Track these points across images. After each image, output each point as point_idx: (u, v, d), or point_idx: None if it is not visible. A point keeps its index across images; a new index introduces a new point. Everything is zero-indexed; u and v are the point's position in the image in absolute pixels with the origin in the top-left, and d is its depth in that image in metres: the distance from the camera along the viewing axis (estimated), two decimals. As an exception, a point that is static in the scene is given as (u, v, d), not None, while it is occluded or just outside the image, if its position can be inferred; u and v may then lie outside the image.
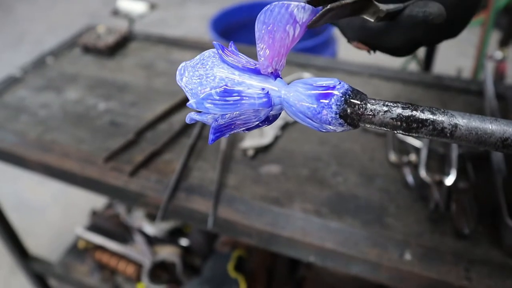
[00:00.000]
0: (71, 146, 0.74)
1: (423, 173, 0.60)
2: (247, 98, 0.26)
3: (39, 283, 1.17)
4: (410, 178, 0.61)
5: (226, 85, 0.27)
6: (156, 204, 0.62)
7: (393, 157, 0.66)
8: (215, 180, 0.62)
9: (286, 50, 0.28)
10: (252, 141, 0.69)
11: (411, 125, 0.24)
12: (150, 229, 1.01)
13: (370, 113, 0.25)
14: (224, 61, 0.28)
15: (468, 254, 0.51)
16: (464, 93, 0.80)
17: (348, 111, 0.25)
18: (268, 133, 0.70)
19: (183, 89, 0.28)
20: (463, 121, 0.24)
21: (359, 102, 0.25)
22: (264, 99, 0.26)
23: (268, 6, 0.26)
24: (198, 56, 0.29)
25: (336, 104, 0.25)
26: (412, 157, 0.65)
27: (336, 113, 0.25)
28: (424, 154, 0.64)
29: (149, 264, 0.97)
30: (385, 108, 0.24)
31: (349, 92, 0.25)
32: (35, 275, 1.14)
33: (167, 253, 0.98)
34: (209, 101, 0.26)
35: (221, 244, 0.93)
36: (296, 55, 0.93)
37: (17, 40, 2.78)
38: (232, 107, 0.26)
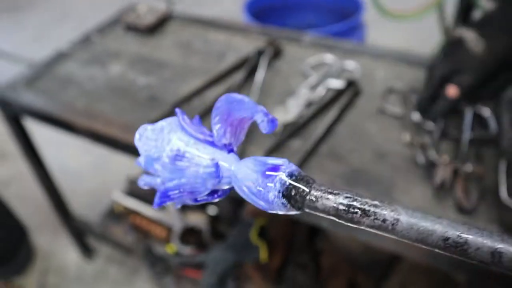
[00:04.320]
0: (114, 115, 0.83)
1: (432, 153, 0.65)
2: (195, 166, 0.27)
3: (79, 241, 1.28)
4: (420, 158, 0.66)
5: (178, 150, 0.27)
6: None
7: (407, 137, 0.70)
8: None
9: (242, 126, 0.28)
10: (277, 116, 0.74)
11: (353, 215, 0.23)
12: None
13: (314, 198, 0.24)
14: (183, 129, 0.28)
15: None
16: (485, 80, 0.82)
17: (292, 192, 0.24)
18: (292, 110, 0.76)
19: (139, 149, 0.29)
20: (405, 217, 0.23)
21: (303, 186, 0.24)
22: (212, 169, 0.27)
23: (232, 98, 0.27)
24: (160, 122, 0.30)
25: (281, 183, 0.24)
26: (426, 138, 0.69)
27: (279, 192, 0.24)
28: (436, 136, 0.68)
29: (179, 229, 1.06)
30: (328, 196, 0.23)
31: (295, 173, 0.25)
32: (76, 234, 1.25)
33: (196, 219, 1.06)
34: (160, 162, 0.27)
35: (246, 213, 1.00)
36: (324, 38, 0.98)
37: (62, 16, 2.91)
38: (180, 172, 0.27)
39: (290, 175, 0.24)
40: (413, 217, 0.23)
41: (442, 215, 0.50)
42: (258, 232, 0.93)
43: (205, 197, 0.28)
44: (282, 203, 0.24)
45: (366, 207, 0.23)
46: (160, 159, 0.27)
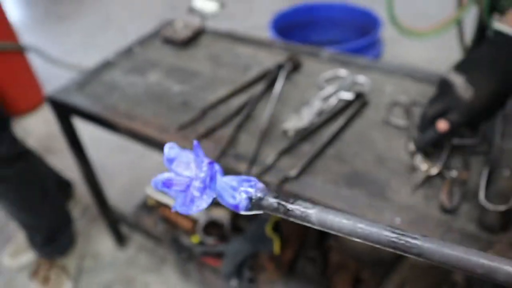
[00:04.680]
0: (151, 117, 0.95)
1: (419, 160, 0.74)
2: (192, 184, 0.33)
3: (114, 230, 1.42)
4: (415, 163, 0.74)
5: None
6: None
7: (411, 146, 0.79)
8: (251, 152, 0.80)
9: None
10: (291, 123, 0.85)
11: (287, 213, 0.30)
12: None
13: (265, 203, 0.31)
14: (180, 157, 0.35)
15: (448, 225, 0.65)
16: (485, 96, 0.90)
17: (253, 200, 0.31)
18: (305, 118, 0.86)
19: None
20: (315, 211, 0.29)
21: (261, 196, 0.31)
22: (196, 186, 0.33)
23: None
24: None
25: (247, 194, 0.31)
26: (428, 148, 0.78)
27: (246, 200, 0.31)
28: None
29: (203, 221, 1.17)
30: (271, 200, 0.30)
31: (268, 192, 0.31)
32: (112, 223, 1.39)
33: (219, 213, 1.18)
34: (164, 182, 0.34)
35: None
36: (340, 54, 1.08)
37: (105, 24, 3.13)
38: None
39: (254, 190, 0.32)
40: (325, 214, 0.29)
41: (427, 213, 0.59)
42: (273, 226, 1.03)
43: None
44: (246, 206, 0.31)
45: (288, 206, 0.30)
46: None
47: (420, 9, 2.83)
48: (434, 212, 0.67)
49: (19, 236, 1.51)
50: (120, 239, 1.46)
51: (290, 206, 0.30)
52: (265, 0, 3.26)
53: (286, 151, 0.80)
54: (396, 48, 2.42)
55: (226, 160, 0.81)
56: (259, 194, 0.31)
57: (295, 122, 0.86)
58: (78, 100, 1.05)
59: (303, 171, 0.76)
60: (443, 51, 2.07)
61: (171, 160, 0.36)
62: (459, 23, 1.46)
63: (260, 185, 0.32)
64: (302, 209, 0.30)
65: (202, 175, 0.34)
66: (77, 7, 3.46)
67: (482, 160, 0.74)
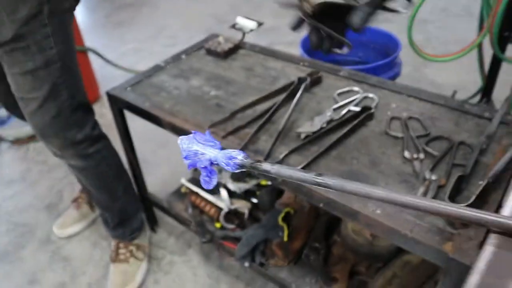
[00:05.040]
0: (190, 115, 1.14)
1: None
2: (201, 155, 0.52)
3: (150, 213, 1.62)
4: (407, 169, 0.89)
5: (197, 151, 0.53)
6: (234, 157, 0.99)
7: (407, 154, 0.93)
8: (268, 149, 0.96)
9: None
10: (304, 128, 1.01)
11: (258, 169, 0.48)
12: (232, 186, 1.38)
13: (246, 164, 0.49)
14: (197, 140, 0.54)
15: (420, 218, 0.78)
16: (477, 117, 1.03)
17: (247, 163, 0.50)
18: (316, 124, 1.02)
19: (181, 149, 0.55)
20: (273, 167, 0.47)
21: (252, 163, 0.49)
22: (207, 157, 0.52)
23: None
24: (188, 136, 0.55)
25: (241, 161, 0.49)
26: (421, 156, 0.92)
27: (236, 166, 0.50)
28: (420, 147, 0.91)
29: (226, 210, 1.35)
30: (252, 162, 0.49)
31: (245, 159, 0.50)
32: (149, 206, 1.60)
33: (240, 204, 1.35)
34: (185, 155, 0.54)
35: (278, 204, 1.27)
36: (355, 73, 1.23)
37: (158, 32, 3.41)
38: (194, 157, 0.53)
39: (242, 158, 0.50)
40: (276, 167, 0.48)
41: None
42: (284, 217, 1.19)
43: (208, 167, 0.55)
44: (236, 166, 0.50)
45: (257, 165, 0.49)
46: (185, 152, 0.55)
47: (455, 35, 2.92)
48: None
49: (68, 212, 1.75)
50: (154, 223, 1.66)
51: (258, 165, 0.48)
52: (307, 18, 3.43)
53: (296, 150, 0.96)
54: (427, 68, 2.53)
55: (247, 153, 0.98)
56: (242, 160, 0.49)
57: (307, 128, 1.02)
58: (131, 97, 1.26)
59: (307, 166, 0.92)
60: (472, 74, 2.15)
61: (185, 150, 0.55)
62: (479, 48, 1.58)
63: (244, 155, 0.50)
64: (266, 166, 0.47)
65: (211, 154, 0.53)
66: (134, 15, 3.77)
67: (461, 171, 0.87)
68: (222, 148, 0.53)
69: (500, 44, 1.43)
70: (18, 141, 2.31)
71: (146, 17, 3.72)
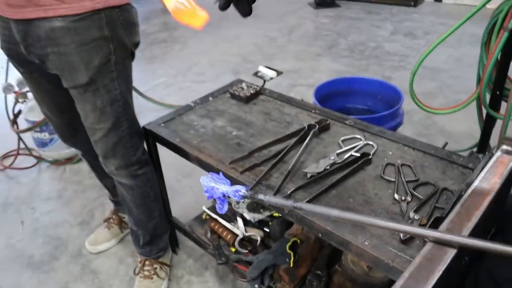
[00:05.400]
0: (213, 152, 1.33)
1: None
2: (217, 189, 0.75)
3: (172, 236, 1.80)
4: (396, 209, 1.05)
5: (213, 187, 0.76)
6: (249, 190, 1.16)
7: (397, 195, 1.09)
8: (278, 184, 1.14)
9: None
10: (310, 169, 1.19)
11: (255, 198, 0.71)
12: (248, 216, 1.55)
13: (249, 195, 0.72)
14: (214, 179, 0.77)
15: (403, 251, 0.93)
16: (462, 167, 1.18)
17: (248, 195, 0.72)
18: (320, 166, 1.20)
19: (202, 185, 0.79)
20: (265, 197, 0.71)
21: (247, 193, 0.71)
22: (220, 191, 0.75)
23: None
24: (207, 176, 0.78)
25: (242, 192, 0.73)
26: (408, 198, 1.08)
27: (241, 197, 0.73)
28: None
29: (241, 237, 1.52)
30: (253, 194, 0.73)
31: (246, 191, 0.73)
32: (172, 229, 1.77)
33: (254, 232, 1.51)
34: (205, 189, 0.77)
35: (287, 234, 1.43)
36: (359, 122, 1.41)
37: (187, 69, 3.68)
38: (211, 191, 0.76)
39: (246, 190, 0.72)
40: (271, 199, 0.69)
41: (389, 241, 0.90)
42: (291, 245, 1.35)
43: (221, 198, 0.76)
44: (241, 196, 0.71)
45: (254, 196, 0.69)
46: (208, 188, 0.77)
47: (468, 85, 3.07)
48: (394, 241, 0.96)
49: (99, 230, 1.94)
50: (176, 245, 1.83)
51: (255, 196, 0.68)
52: (328, 62, 3.66)
53: (302, 187, 1.14)
54: (438, 116, 2.67)
55: (259, 187, 1.16)
56: (245, 193, 0.69)
57: (313, 168, 1.19)
58: (164, 132, 1.46)
59: (310, 202, 1.08)
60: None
61: (205, 186, 0.76)
62: (478, 104, 1.74)
63: (246, 189, 0.70)
64: (260, 196, 0.67)
65: (223, 189, 0.74)
66: (166, 51, 4.08)
67: (440, 213, 1.03)
68: (231, 184, 0.74)
69: (493, 101, 1.59)
70: (56, 162, 2.56)
71: (177, 54, 4.02)
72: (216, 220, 1.60)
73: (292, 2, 5.29)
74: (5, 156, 2.65)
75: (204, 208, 1.66)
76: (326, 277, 1.34)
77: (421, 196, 1.08)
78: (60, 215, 2.16)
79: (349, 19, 4.67)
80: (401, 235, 0.97)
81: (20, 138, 2.54)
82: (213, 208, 1.66)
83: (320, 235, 1.04)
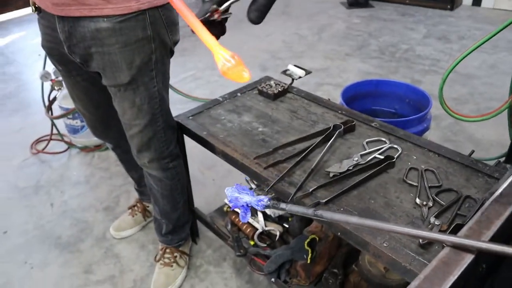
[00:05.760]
0: (239, 146, 1.36)
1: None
2: (240, 199, 0.76)
3: (194, 226, 1.84)
4: (417, 213, 1.05)
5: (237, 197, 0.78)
6: (268, 183, 1.19)
7: (418, 200, 1.10)
8: (300, 182, 1.16)
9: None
10: (333, 168, 1.20)
11: (277, 207, 0.71)
12: (268, 211, 1.58)
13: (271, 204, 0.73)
14: (237, 190, 0.78)
15: (421, 255, 0.94)
16: (488, 176, 1.17)
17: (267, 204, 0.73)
18: (344, 167, 1.21)
19: (227, 195, 0.80)
20: (286, 206, 0.70)
21: (269, 202, 0.72)
22: (244, 200, 0.76)
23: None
24: (231, 187, 0.80)
25: (265, 201, 0.73)
26: (430, 203, 1.08)
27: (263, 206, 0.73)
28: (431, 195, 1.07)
29: (260, 231, 1.54)
30: (272, 203, 0.73)
31: (269, 201, 0.73)
32: (193, 219, 1.82)
33: (273, 227, 1.54)
34: (230, 199, 0.78)
35: (306, 230, 1.45)
36: (385, 125, 1.41)
37: (214, 63, 3.72)
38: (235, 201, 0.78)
39: (269, 200, 0.74)
40: (293, 208, 0.70)
41: (407, 244, 0.90)
42: (309, 241, 1.36)
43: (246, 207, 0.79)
44: (263, 206, 0.73)
45: (280, 206, 0.71)
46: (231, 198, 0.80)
47: (500, 92, 3.00)
48: (412, 245, 0.97)
49: (124, 217, 2.01)
50: (196, 235, 1.87)
51: (277, 205, 0.70)
52: (357, 63, 3.63)
53: (324, 186, 1.15)
54: (467, 122, 2.62)
55: (282, 183, 1.18)
56: (268, 202, 0.71)
57: (336, 168, 1.21)
58: (192, 125, 1.50)
59: (331, 201, 1.10)
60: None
61: (230, 196, 0.79)
62: (509, 113, 1.71)
63: (268, 199, 0.73)
64: (282, 205, 0.70)
65: (246, 199, 0.77)
66: (196, 44, 4.13)
67: (461, 220, 1.02)
68: (254, 195, 0.77)
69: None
70: (85, 149, 2.64)
71: (207, 48, 4.05)
72: (237, 213, 1.63)
73: (325, 1, 5.26)
74: (39, 140, 2.75)
75: (226, 201, 1.70)
76: (342, 276, 1.35)
77: (443, 202, 1.08)
78: (87, 199, 2.24)
79: (382, 20, 4.61)
80: (421, 239, 0.97)
81: (53, 124, 2.63)
82: (235, 202, 1.69)
83: (339, 234, 1.05)
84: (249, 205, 0.77)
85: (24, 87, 3.57)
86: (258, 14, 0.71)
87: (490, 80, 3.20)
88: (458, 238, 0.54)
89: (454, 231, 0.98)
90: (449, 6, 4.74)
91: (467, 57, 1.59)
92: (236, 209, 0.95)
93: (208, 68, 3.63)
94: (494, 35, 1.50)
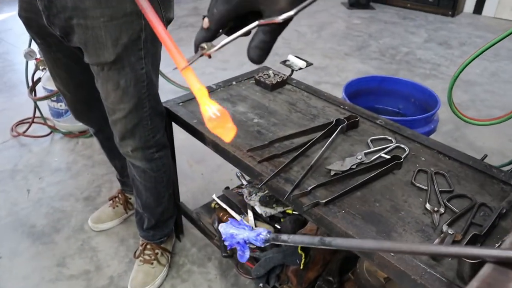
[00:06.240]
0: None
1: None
2: (236, 236, 0.68)
3: (178, 222, 1.72)
4: (427, 220, 0.94)
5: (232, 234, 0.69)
6: (262, 179, 1.07)
7: (428, 205, 0.99)
8: (298, 179, 1.04)
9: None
10: (334, 166, 1.09)
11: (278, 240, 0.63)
12: (259, 209, 1.46)
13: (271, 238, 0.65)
14: (233, 225, 0.70)
15: (432, 268, 0.83)
16: (503, 183, 1.07)
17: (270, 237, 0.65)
18: (346, 165, 1.10)
19: (221, 233, 0.72)
20: (289, 237, 0.61)
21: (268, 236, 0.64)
22: (241, 236, 0.68)
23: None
24: (226, 223, 0.72)
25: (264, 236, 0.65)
26: (441, 209, 0.97)
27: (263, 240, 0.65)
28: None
29: (250, 231, 1.43)
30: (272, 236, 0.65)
31: (269, 234, 0.65)
32: (178, 214, 1.69)
33: (264, 227, 1.42)
34: (224, 237, 0.69)
35: (300, 233, 1.33)
36: (391, 123, 1.30)
37: (211, 55, 3.60)
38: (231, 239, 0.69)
39: (267, 234, 0.65)
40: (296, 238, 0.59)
41: (418, 256, 0.80)
42: (303, 245, 1.25)
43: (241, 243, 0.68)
44: (263, 240, 0.64)
45: (282, 237, 0.61)
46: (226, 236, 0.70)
47: (502, 100, 2.92)
48: (423, 256, 0.86)
49: (104, 208, 1.87)
50: (181, 232, 1.75)
51: (278, 237, 0.60)
52: (357, 63, 3.53)
53: (324, 185, 1.04)
54: (468, 129, 2.54)
55: (278, 179, 1.06)
56: (267, 236, 0.62)
57: (337, 166, 1.09)
58: (182, 112, 1.38)
59: (331, 201, 0.99)
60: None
61: (224, 234, 0.68)
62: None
63: (267, 232, 0.63)
64: (284, 238, 0.60)
65: (244, 235, 0.66)
66: (192, 36, 3.99)
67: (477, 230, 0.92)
68: (252, 229, 0.67)
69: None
70: (69, 134, 2.51)
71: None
72: (225, 210, 1.52)
73: (325, 0, 5.16)
74: (20, 123, 2.61)
75: (214, 197, 1.57)
76: (338, 284, 1.24)
77: (456, 209, 0.98)
78: (67, 188, 2.10)
79: (383, 22, 4.52)
80: (432, 249, 0.86)
81: (36, 106, 2.49)
82: (223, 197, 1.57)
83: (339, 239, 0.94)
84: (247, 241, 0.67)
85: (11, 67, 3.42)
86: (259, 52, 0.59)
87: (491, 87, 3.13)
88: (505, 252, 0.43)
89: (471, 242, 0.88)
90: (450, 13, 4.68)
91: (469, 64, 1.52)
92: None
93: (203, 60, 3.49)
94: (497, 42, 1.44)
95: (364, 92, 1.76)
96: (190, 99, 1.45)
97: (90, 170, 2.22)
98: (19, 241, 1.79)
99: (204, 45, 0.62)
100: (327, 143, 1.16)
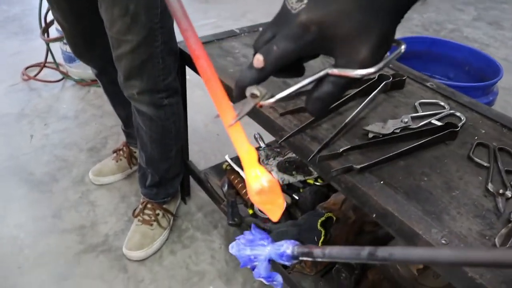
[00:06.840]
0: (251, 85, 1.05)
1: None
2: (255, 258, 0.51)
3: (185, 182, 1.55)
4: (489, 204, 0.74)
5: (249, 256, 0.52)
6: (283, 134, 0.88)
7: (490, 185, 0.78)
8: (328, 138, 0.85)
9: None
10: (373, 127, 0.88)
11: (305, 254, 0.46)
12: (276, 175, 1.28)
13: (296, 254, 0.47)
14: (247, 244, 0.52)
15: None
16: None
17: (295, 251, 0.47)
18: (388, 127, 0.89)
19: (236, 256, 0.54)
20: (323, 251, 0.43)
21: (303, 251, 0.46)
22: (262, 258, 0.51)
23: None
24: (235, 242, 0.54)
25: (288, 253, 0.47)
26: (508, 193, 0.76)
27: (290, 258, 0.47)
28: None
29: (263, 199, 1.24)
30: (299, 249, 0.47)
31: (296, 247, 0.48)
32: (186, 173, 1.53)
33: (285, 240, 1.23)
34: (242, 262, 0.52)
35: (321, 207, 1.14)
36: (444, 87, 1.08)
37: (240, 15, 3.37)
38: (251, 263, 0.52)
39: (293, 248, 0.48)
40: (333, 252, 0.42)
41: (473, 236, 0.59)
42: (324, 220, 1.06)
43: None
44: (290, 257, 0.47)
45: (310, 250, 0.45)
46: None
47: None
48: (483, 248, 0.66)
49: (106, 161, 1.72)
50: (187, 194, 1.58)
51: (310, 252, 0.45)
52: (396, 35, 3.25)
53: (358, 148, 0.84)
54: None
55: (302, 136, 0.87)
56: (294, 251, 0.48)
57: (377, 128, 0.89)
58: (197, 55, 1.18)
59: (368, 168, 0.79)
60: None
61: (239, 257, 0.53)
62: None
63: (293, 243, 0.49)
64: (317, 253, 0.45)
65: (264, 253, 0.48)
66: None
67: (555, 222, 0.71)
68: (271, 241, 0.51)
69: None
70: (82, 82, 2.35)
71: (232, 2, 3.70)
72: (237, 173, 1.33)
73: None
74: (31, 66, 2.46)
75: (227, 157, 1.39)
76: (360, 270, 1.05)
77: (526, 194, 0.76)
78: (72, 136, 1.96)
79: (429, -5, 4.18)
80: (497, 240, 0.66)
81: (49, 50, 2.34)
82: (236, 159, 1.38)
83: (374, 215, 0.74)
84: (271, 260, 0.50)
85: (31, 11, 3.27)
86: (321, 105, 0.50)
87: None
88: None
89: (551, 237, 0.67)
90: (505, -8, 4.28)
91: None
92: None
93: (231, 19, 3.29)
94: None
95: (410, 55, 1.52)
96: (208, 42, 1.25)
97: (98, 120, 2.07)
98: (16, 187, 1.66)
99: (256, 91, 0.50)
100: (366, 101, 0.95)
